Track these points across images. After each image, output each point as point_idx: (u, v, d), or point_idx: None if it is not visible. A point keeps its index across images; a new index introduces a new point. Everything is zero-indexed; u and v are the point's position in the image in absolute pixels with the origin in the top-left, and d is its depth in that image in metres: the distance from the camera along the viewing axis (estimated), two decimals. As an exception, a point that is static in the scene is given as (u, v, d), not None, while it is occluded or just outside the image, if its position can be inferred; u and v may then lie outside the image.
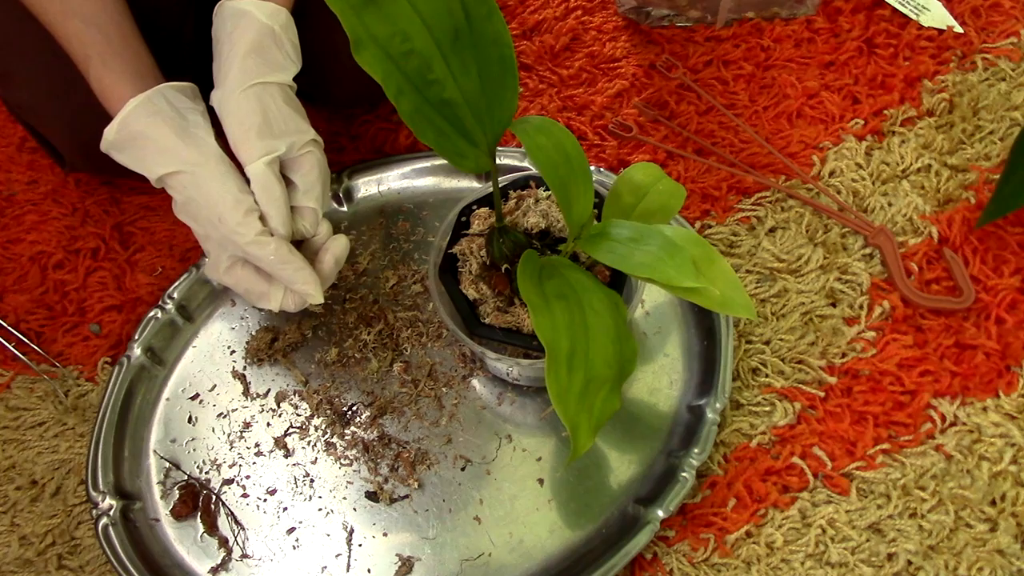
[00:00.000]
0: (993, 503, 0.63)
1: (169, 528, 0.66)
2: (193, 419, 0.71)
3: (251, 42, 0.60)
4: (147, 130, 0.59)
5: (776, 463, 0.66)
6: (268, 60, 0.61)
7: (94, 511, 0.65)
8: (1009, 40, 0.84)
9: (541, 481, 0.66)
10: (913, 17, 0.86)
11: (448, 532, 0.65)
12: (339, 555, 0.64)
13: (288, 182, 0.62)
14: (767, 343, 0.71)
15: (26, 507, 0.69)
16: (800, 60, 0.85)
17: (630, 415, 0.68)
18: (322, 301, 0.62)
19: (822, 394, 0.68)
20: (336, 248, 0.64)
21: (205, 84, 0.64)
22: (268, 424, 0.70)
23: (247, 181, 0.60)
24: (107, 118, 0.60)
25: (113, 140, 0.60)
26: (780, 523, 0.64)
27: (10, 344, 0.76)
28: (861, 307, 0.71)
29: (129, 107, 0.59)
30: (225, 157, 0.60)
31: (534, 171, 0.69)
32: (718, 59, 0.86)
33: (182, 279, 0.74)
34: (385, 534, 0.65)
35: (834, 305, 0.72)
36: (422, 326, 0.72)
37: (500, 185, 0.59)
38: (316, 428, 0.69)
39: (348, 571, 0.64)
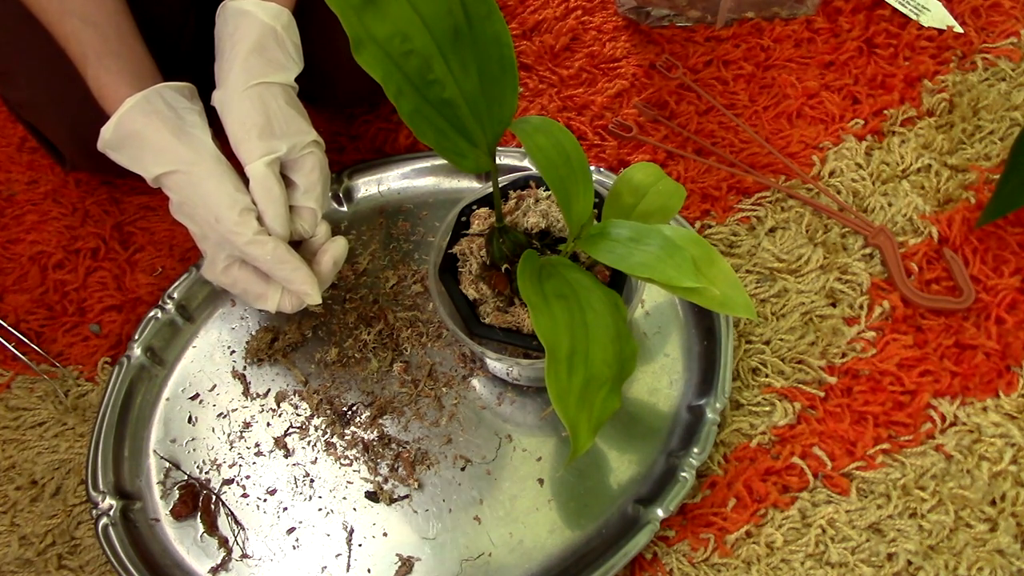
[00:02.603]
0: (993, 503, 0.63)
1: (169, 528, 0.66)
2: (193, 419, 0.71)
3: (253, 42, 0.60)
4: (143, 129, 0.59)
5: (776, 463, 0.66)
6: (270, 60, 0.61)
7: (94, 511, 0.65)
8: (1009, 40, 0.84)
9: (541, 481, 0.66)
10: (913, 17, 0.86)
11: (448, 532, 0.65)
12: (339, 555, 0.64)
13: (288, 182, 0.62)
14: (767, 343, 0.71)
15: (26, 507, 0.69)
16: (800, 60, 0.85)
17: (630, 415, 0.68)
18: (320, 302, 0.62)
19: (822, 394, 0.68)
20: (335, 249, 0.64)
21: (204, 85, 0.63)
22: (268, 424, 0.70)
23: (246, 181, 0.60)
24: (108, 117, 0.60)
25: (109, 139, 0.60)
26: (780, 523, 0.64)
27: (10, 344, 0.76)
28: (861, 307, 0.71)
29: (126, 106, 0.59)
30: (222, 157, 0.60)
31: (534, 171, 0.69)
32: (718, 59, 0.86)
33: (182, 279, 0.74)
34: (385, 534, 0.65)
35: (834, 305, 0.72)
36: (422, 326, 0.72)
37: (500, 185, 0.59)
38: (316, 428, 0.69)
39: (348, 571, 0.64)
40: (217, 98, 0.61)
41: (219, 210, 0.58)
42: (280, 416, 0.70)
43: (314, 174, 0.63)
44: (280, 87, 0.61)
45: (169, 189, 0.60)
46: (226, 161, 0.60)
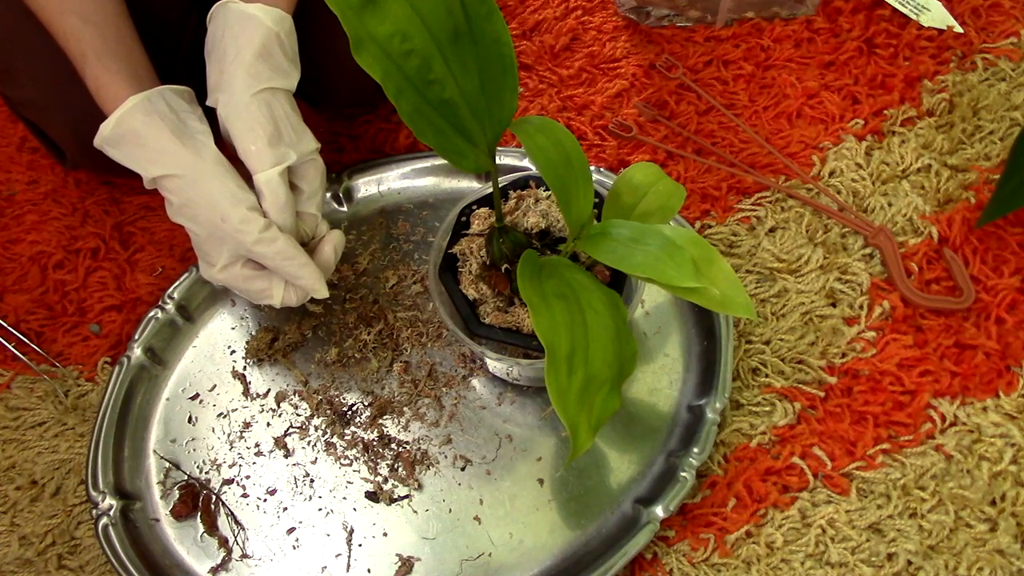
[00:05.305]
0: (993, 503, 0.63)
1: (169, 528, 0.66)
2: (193, 419, 0.71)
3: (259, 46, 0.60)
4: (143, 129, 0.59)
5: (776, 463, 0.66)
6: (275, 66, 0.61)
7: (94, 511, 0.65)
8: (1009, 40, 0.84)
9: (541, 481, 0.66)
10: (913, 17, 0.86)
11: (448, 532, 0.65)
12: (339, 555, 0.64)
13: (293, 187, 0.63)
14: (767, 343, 0.71)
15: (26, 507, 0.69)
16: (800, 60, 0.85)
17: (630, 415, 0.68)
18: (327, 295, 0.63)
19: (822, 394, 0.68)
20: (333, 238, 0.66)
21: (200, 88, 0.63)
22: (268, 424, 0.70)
23: (245, 183, 0.60)
24: (109, 115, 0.60)
25: (108, 135, 0.60)
26: (780, 523, 0.64)
27: (10, 344, 0.76)
28: (861, 307, 0.71)
29: (128, 104, 0.59)
30: (223, 158, 0.60)
31: (534, 171, 0.69)
32: (718, 59, 0.86)
33: (182, 279, 0.74)
34: (385, 534, 0.65)
35: (834, 305, 0.72)
36: (422, 326, 0.72)
37: (500, 185, 0.59)
38: (316, 428, 0.69)
39: (348, 571, 0.64)
40: (222, 102, 0.60)
41: (224, 209, 0.59)
42: (280, 416, 0.70)
43: (316, 180, 0.64)
44: (284, 93, 0.62)
45: (169, 191, 0.60)
46: (227, 162, 0.60)
